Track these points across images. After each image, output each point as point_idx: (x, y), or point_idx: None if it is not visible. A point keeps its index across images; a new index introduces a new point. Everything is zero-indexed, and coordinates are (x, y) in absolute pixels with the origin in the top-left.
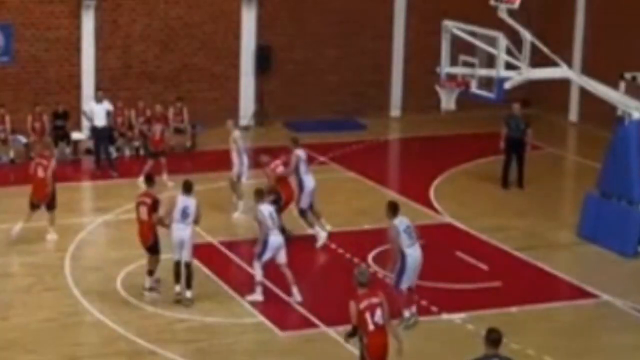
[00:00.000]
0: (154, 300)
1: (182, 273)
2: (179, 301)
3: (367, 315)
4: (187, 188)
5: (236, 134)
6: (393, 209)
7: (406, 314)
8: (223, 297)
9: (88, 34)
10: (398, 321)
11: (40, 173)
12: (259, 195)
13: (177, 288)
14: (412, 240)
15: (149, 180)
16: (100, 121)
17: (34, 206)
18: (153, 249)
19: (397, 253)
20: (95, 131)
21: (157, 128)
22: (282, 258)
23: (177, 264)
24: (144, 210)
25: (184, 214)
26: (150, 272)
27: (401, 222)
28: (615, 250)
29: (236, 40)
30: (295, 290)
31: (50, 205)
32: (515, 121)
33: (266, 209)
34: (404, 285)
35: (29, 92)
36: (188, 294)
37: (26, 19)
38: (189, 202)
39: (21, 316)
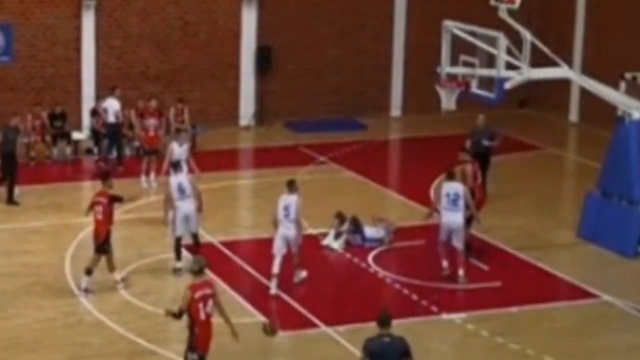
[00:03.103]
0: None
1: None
2: (177, 271)
3: (200, 306)
4: (175, 167)
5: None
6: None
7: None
8: (223, 297)
9: (88, 34)
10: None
11: None
12: (288, 186)
13: (178, 264)
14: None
15: (105, 178)
16: (114, 117)
17: None
18: (102, 248)
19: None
20: (110, 127)
21: (151, 123)
22: (293, 249)
23: (178, 240)
24: (99, 210)
25: (180, 189)
26: (89, 271)
27: (450, 187)
28: (616, 250)
29: (236, 40)
30: (275, 283)
31: None
32: (478, 134)
33: (284, 199)
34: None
35: (29, 92)
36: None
37: (26, 19)
38: (182, 179)
39: (21, 316)
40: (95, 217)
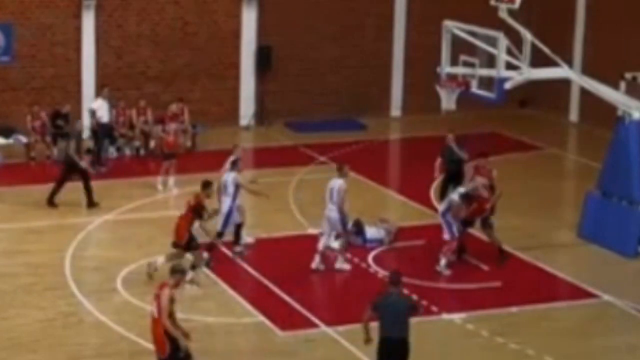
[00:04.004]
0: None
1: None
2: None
3: (155, 303)
4: (232, 164)
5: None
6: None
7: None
8: (223, 297)
9: (88, 34)
10: None
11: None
12: (337, 170)
13: (237, 248)
14: None
15: (206, 186)
16: (106, 117)
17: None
18: (189, 245)
19: None
20: (101, 128)
21: (172, 128)
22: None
23: (238, 226)
24: (185, 208)
25: (224, 186)
26: (193, 267)
27: None
28: (616, 250)
29: (236, 40)
30: (317, 259)
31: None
32: (450, 151)
33: (331, 182)
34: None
35: (29, 92)
36: (238, 248)
37: (26, 19)
38: (227, 177)
39: (21, 316)
40: (180, 213)
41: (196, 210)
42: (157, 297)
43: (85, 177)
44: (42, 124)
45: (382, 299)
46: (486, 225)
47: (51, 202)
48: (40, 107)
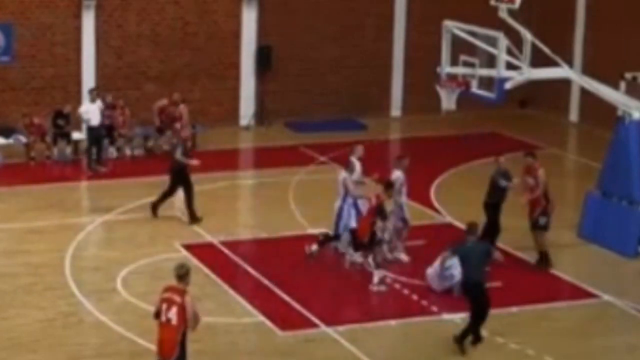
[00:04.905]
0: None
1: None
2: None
3: (163, 307)
4: (346, 166)
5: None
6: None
7: None
8: (223, 297)
9: (88, 34)
10: None
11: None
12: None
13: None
14: None
15: (388, 186)
16: (96, 120)
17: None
18: (362, 245)
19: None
20: (92, 131)
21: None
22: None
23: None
24: (365, 209)
25: (341, 185)
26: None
27: None
28: (616, 250)
29: (236, 40)
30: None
31: None
32: (500, 177)
33: (393, 175)
34: None
35: (29, 92)
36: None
37: (26, 19)
38: (340, 176)
39: (21, 316)
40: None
41: (378, 211)
42: (177, 305)
43: (188, 191)
44: (38, 125)
45: (462, 246)
46: (535, 227)
47: (155, 211)
48: (32, 113)
